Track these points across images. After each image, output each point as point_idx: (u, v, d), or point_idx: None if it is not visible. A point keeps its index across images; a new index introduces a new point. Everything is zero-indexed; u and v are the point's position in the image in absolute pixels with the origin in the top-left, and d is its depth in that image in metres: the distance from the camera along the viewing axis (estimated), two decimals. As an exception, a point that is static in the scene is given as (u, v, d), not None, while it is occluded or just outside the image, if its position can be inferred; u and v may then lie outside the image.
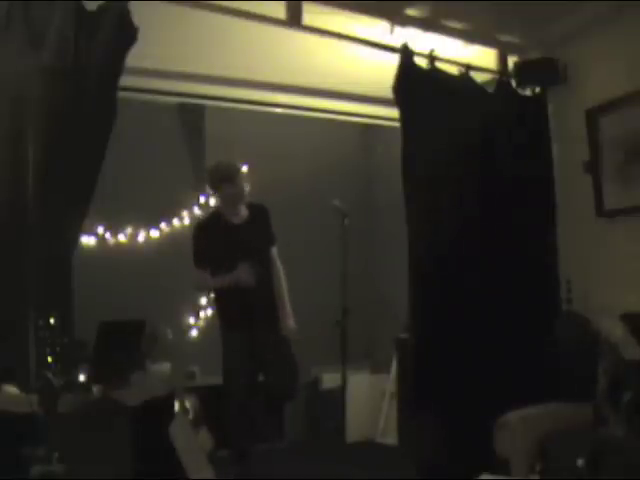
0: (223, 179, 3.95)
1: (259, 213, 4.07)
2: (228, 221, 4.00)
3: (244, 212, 4.04)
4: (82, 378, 3.02)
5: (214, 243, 3.90)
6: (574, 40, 4.06)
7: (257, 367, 3.94)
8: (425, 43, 3.83)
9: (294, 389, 4.05)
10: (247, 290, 3.80)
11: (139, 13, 2.97)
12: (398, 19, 3.78)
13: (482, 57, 4.18)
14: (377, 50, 3.83)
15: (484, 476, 2.97)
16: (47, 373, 2.65)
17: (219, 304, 4.07)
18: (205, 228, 4.04)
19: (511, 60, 4.30)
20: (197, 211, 5.31)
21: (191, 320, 5.22)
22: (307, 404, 5.57)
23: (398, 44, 3.73)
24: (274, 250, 4.12)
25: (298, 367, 4.02)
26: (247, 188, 4.10)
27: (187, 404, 4.16)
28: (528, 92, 4.23)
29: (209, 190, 4.72)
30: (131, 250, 4.99)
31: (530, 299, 3.89)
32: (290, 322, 4.04)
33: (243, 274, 3.79)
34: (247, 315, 3.88)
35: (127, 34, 2.99)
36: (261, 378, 3.99)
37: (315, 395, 5.58)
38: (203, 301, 5.26)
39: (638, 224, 3.71)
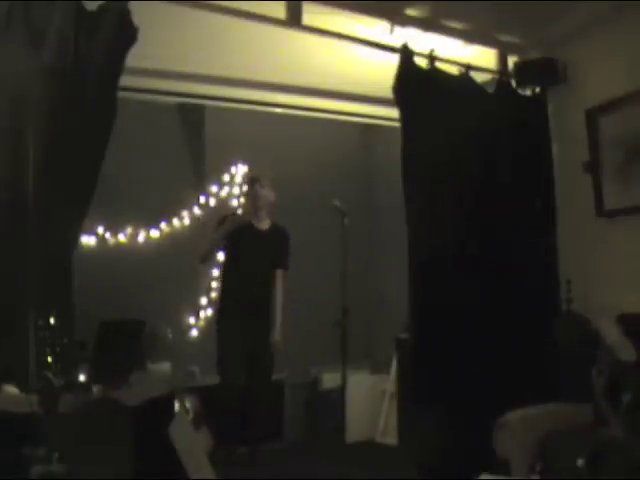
0: (249, 182, 4.46)
1: (281, 233, 4.45)
2: (253, 225, 4.36)
3: (266, 224, 4.40)
4: (82, 378, 3.02)
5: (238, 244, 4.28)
6: (574, 40, 4.05)
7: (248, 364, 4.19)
8: (425, 43, 3.83)
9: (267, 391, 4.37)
10: (249, 290, 4.20)
11: (139, 13, 2.97)
12: (398, 19, 3.78)
13: (482, 57, 4.18)
14: (377, 50, 3.82)
15: (484, 476, 2.97)
16: (47, 373, 2.65)
17: (222, 298, 4.41)
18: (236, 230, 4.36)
19: (511, 60, 4.30)
20: (197, 211, 5.31)
21: (191, 320, 5.22)
22: (307, 404, 5.57)
23: (398, 44, 3.73)
24: (280, 272, 4.41)
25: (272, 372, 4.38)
26: (269, 198, 4.40)
27: (187, 404, 4.16)
28: (528, 92, 4.23)
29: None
30: (131, 250, 4.99)
31: (530, 299, 3.89)
32: (277, 336, 4.30)
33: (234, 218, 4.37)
34: (245, 312, 4.20)
35: (127, 34, 2.98)
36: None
37: (315, 395, 5.58)
38: (203, 301, 5.26)
39: (638, 224, 3.71)
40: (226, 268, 4.44)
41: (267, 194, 4.37)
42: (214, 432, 4.09)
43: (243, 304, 4.23)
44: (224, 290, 4.43)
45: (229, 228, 4.27)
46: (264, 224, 4.40)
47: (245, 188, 4.62)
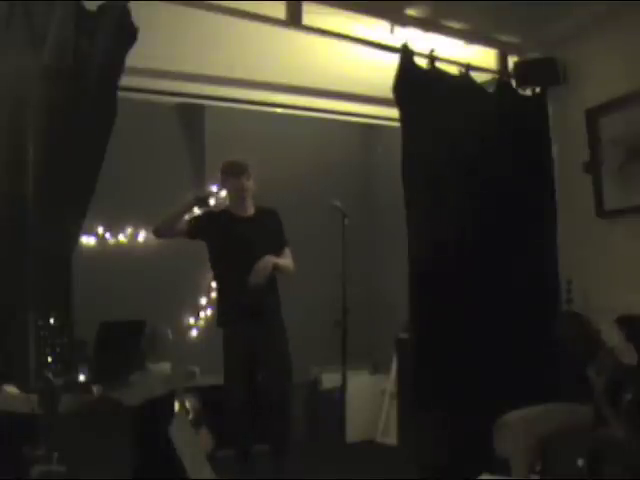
0: (232, 173, 4.03)
1: (269, 214, 4.12)
2: (234, 214, 4.06)
3: (251, 210, 4.09)
4: (82, 378, 3.03)
5: (219, 234, 3.97)
6: (574, 40, 4.06)
7: (255, 366, 3.94)
8: (425, 43, 3.83)
9: (287, 390, 4.04)
10: (251, 290, 3.83)
11: (139, 13, 2.97)
12: (398, 19, 3.78)
13: (482, 57, 4.18)
14: (377, 50, 3.83)
15: (484, 476, 2.97)
16: (47, 373, 2.65)
17: (220, 300, 4.07)
18: (211, 216, 4.14)
19: (511, 60, 4.30)
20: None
21: (191, 320, 5.22)
22: (307, 404, 5.57)
23: (398, 44, 3.73)
24: (287, 251, 4.10)
25: (292, 368, 4.03)
26: (253, 188, 4.08)
27: (187, 404, 4.16)
28: (528, 92, 4.23)
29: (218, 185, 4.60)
30: (131, 250, 4.99)
31: (530, 299, 3.89)
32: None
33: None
34: (248, 313, 3.87)
35: (127, 34, 2.98)
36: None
37: (315, 395, 5.58)
38: (203, 301, 5.27)
39: (638, 224, 3.71)
40: (215, 266, 4.07)
41: (252, 185, 4.07)
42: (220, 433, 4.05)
43: (241, 302, 3.87)
44: (219, 290, 4.09)
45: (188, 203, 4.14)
46: (249, 211, 4.08)
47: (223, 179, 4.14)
